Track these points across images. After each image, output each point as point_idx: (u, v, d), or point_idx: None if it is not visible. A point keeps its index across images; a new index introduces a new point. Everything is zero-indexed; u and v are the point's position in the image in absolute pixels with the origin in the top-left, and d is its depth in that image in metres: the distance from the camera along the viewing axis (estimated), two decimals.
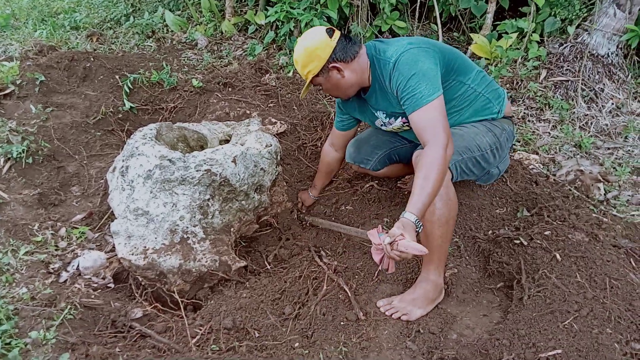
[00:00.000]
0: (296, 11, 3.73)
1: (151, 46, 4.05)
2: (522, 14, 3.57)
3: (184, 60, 3.80)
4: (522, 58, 3.45)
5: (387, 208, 2.56)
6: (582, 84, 3.26)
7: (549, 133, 3.09)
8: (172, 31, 4.30)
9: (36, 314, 1.74)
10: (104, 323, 1.87)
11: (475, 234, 2.33)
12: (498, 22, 3.58)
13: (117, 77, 3.18)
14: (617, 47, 3.35)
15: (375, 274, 2.15)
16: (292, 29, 3.84)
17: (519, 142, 3.01)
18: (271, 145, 2.48)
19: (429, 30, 4.02)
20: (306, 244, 2.44)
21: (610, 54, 3.34)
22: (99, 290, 2.05)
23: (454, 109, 2.11)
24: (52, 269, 2.07)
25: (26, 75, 2.90)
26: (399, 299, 1.98)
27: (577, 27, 3.40)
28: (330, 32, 1.98)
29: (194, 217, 2.12)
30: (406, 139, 2.42)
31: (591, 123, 3.14)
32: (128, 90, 3.14)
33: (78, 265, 2.10)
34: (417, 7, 3.87)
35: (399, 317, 1.92)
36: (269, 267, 2.35)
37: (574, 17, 3.39)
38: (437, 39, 3.68)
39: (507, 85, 3.36)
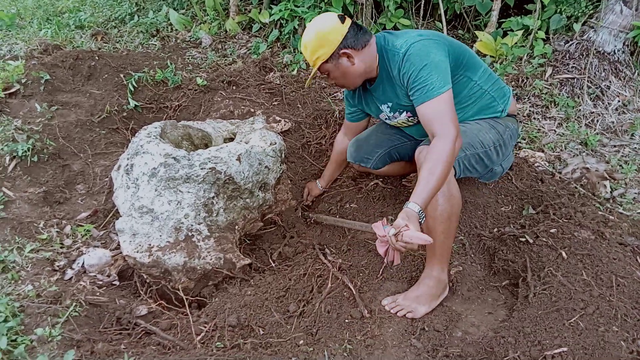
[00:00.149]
0: (300, 9, 3.73)
1: (155, 45, 4.05)
2: (527, 11, 3.55)
3: (188, 58, 3.81)
4: (527, 55, 3.44)
5: (391, 206, 2.55)
6: (588, 81, 3.24)
7: (555, 131, 3.07)
8: (176, 30, 4.31)
9: (42, 311, 1.74)
10: (109, 320, 1.88)
11: (481, 232, 2.32)
12: (503, 20, 3.56)
13: (121, 75, 3.19)
14: (624, 44, 3.32)
15: (380, 272, 2.15)
16: (297, 27, 3.84)
17: (525, 139, 3.00)
18: (275, 143, 2.47)
19: (434, 28, 4.01)
20: (310, 241, 2.44)
21: (616, 51, 3.32)
22: (104, 288, 2.06)
23: (458, 106, 2.09)
24: (58, 266, 2.08)
25: (31, 74, 2.91)
26: (403, 296, 1.98)
27: (583, 24, 3.38)
28: (342, 18, 1.94)
29: (199, 214, 2.12)
30: (406, 137, 2.41)
31: (597, 120, 3.12)
32: (132, 89, 3.14)
33: (83, 263, 2.11)
34: (422, 5, 3.86)
35: (404, 315, 1.92)
36: (273, 264, 2.35)
37: (579, 14, 3.36)
38: None
39: (513, 83, 3.34)
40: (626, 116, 3.15)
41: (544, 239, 2.10)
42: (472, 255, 2.24)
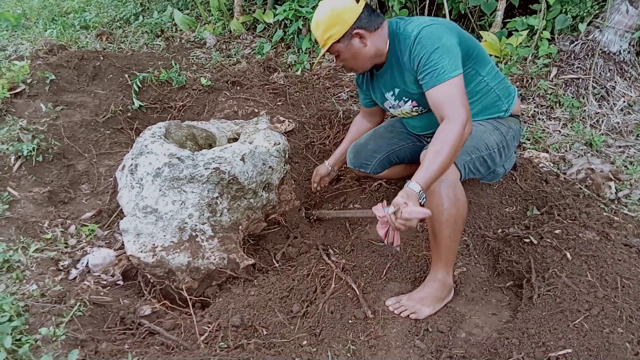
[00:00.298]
0: (305, 9, 3.73)
1: (160, 45, 4.07)
2: (532, 11, 3.53)
3: (192, 59, 3.82)
4: (532, 56, 3.42)
5: None
6: (593, 81, 3.23)
7: (560, 131, 3.06)
8: (180, 30, 4.33)
9: (46, 310, 1.75)
10: (113, 320, 1.88)
11: (485, 233, 2.31)
12: (508, 20, 3.54)
13: (126, 75, 3.20)
14: (629, 44, 3.30)
15: (384, 273, 2.15)
16: (301, 27, 3.84)
17: (529, 140, 2.99)
18: (279, 143, 2.48)
19: None
20: (314, 242, 2.44)
21: (622, 51, 3.30)
22: (108, 288, 2.06)
23: None
24: (62, 266, 2.09)
25: (36, 74, 2.93)
26: (407, 297, 1.97)
27: (588, 24, 3.36)
28: None
29: (203, 215, 2.12)
30: (404, 140, 2.40)
31: (602, 121, 3.10)
32: (137, 89, 3.16)
33: (87, 263, 2.12)
34: (427, 5, 3.85)
35: (408, 316, 1.91)
36: (277, 265, 2.35)
37: (585, 14, 3.35)
38: None
39: (517, 83, 3.33)
40: (631, 117, 3.13)
41: (549, 240, 2.09)
42: (476, 256, 2.23)
